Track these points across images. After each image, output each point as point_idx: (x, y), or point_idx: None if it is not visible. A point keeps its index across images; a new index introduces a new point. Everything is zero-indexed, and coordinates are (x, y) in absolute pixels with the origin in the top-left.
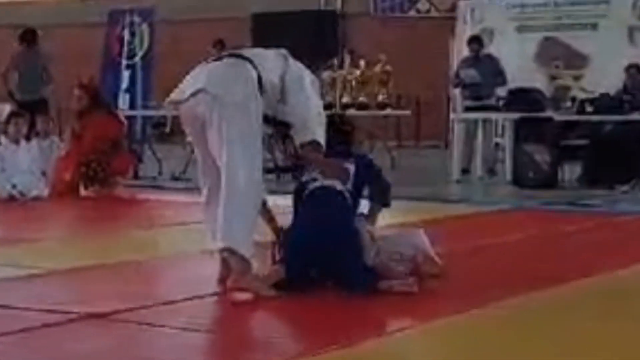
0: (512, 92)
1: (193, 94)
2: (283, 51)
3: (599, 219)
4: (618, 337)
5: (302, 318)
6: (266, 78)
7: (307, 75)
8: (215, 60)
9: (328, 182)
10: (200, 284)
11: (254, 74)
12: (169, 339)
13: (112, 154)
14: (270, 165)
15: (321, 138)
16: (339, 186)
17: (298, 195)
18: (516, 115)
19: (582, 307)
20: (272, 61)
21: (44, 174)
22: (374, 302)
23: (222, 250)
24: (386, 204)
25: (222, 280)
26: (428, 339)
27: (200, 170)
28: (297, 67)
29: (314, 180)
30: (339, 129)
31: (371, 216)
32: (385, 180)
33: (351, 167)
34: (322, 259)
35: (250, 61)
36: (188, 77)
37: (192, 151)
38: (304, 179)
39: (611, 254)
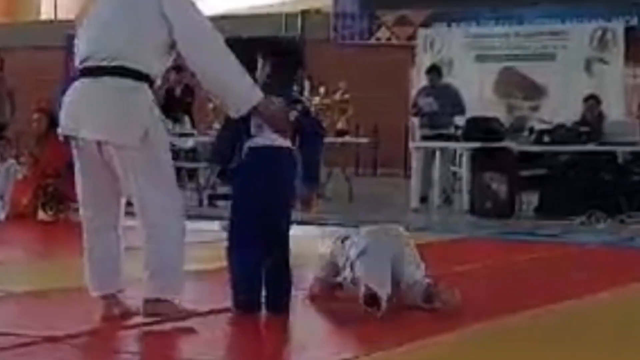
0: (470, 122)
1: (85, 139)
2: None
3: (554, 249)
4: None
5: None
6: (158, 70)
7: (198, 16)
8: (91, 73)
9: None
10: None
11: (147, 92)
12: None
13: (69, 177)
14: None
15: (259, 94)
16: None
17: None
18: (474, 145)
19: (532, 335)
20: (151, 36)
21: (1, 197)
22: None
23: (151, 300)
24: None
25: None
26: None
27: (87, 203)
28: (184, 15)
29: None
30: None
31: (308, 200)
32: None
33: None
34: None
35: (133, 73)
36: (74, 102)
37: None
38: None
39: (565, 284)
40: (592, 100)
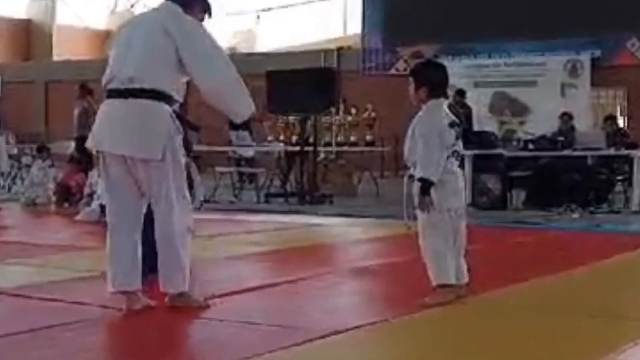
0: (471, 134)
1: (113, 154)
2: (168, 17)
3: (538, 234)
4: (548, 327)
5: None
6: (175, 87)
7: (200, 34)
8: (116, 95)
9: None
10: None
11: (166, 110)
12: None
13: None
14: (281, 190)
15: (251, 103)
16: None
17: None
18: (474, 152)
19: (524, 304)
20: (162, 56)
21: None
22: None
23: (175, 295)
24: None
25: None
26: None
27: (118, 210)
28: (187, 33)
29: None
30: None
31: None
32: None
33: None
34: None
35: (151, 93)
36: (103, 121)
37: (220, 178)
38: None
39: (546, 261)
40: (566, 117)
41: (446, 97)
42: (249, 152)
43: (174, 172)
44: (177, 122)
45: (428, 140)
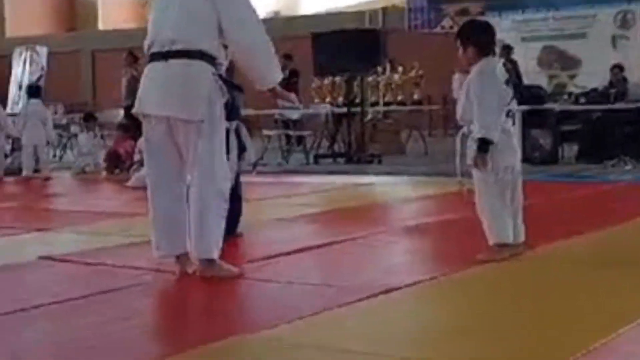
0: (522, 88)
1: (157, 117)
2: None
3: (592, 187)
4: (603, 282)
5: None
6: (215, 47)
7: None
8: (157, 58)
9: None
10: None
11: (208, 69)
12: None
13: None
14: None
15: (279, 72)
16: None
17: None
18: (524, 107)
19: (577, 258)
20: (202, 18)
21: None
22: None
23: (205, 262)
24: None
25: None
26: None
27: (158, 174)
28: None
29: None
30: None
31: None
32: None
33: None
34: None
35: (192, 53)
36: (146, 85)
37: (268, 141)
38: None
39: (600, 215)
40: (617, 69)
41: (494, 54)
42: (295, 115)
43: (212, 135)
44: (221, 83)
45: (483, 100)
